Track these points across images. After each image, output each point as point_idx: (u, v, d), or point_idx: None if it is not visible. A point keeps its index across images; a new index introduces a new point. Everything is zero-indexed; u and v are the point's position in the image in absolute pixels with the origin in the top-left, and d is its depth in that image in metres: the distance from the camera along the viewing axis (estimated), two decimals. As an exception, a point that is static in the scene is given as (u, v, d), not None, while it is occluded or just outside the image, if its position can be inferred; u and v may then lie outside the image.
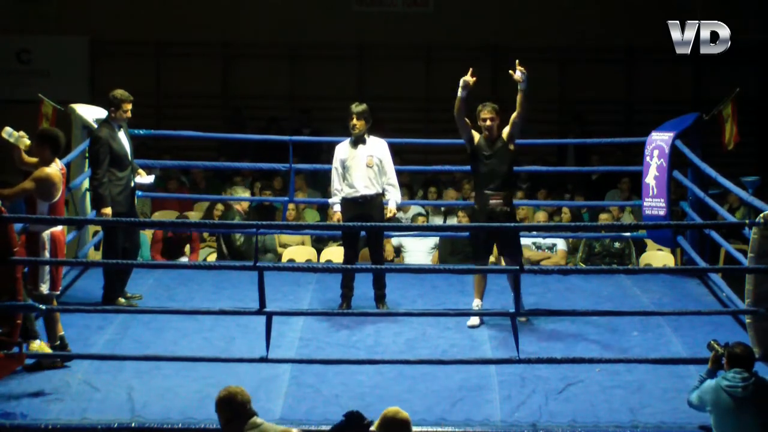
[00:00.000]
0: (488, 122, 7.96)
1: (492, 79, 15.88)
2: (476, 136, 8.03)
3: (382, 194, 8.42)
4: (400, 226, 10.11)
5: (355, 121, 8.37)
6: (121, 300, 8.37)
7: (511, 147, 7.95)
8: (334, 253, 10.90)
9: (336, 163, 8.50)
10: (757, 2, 15.06)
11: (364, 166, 8.35)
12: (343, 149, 8.49)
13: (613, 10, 15.75)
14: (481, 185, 7.97)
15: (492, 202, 7.90)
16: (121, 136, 8.49)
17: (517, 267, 7.04)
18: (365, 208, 8.34)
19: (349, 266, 8.31)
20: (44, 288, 7.18)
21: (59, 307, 7.34)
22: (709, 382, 6.08)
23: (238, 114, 15.62)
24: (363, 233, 8.86)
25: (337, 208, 8.46)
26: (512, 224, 8.04)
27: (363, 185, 8.35)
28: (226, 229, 10.61)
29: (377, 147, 8.44)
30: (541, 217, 11.38)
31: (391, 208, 8.40)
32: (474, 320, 7.98)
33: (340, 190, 8.45)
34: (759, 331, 7.00)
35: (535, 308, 8.02)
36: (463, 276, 9.13)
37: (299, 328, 7.88)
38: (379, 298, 8.41)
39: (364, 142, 8.41)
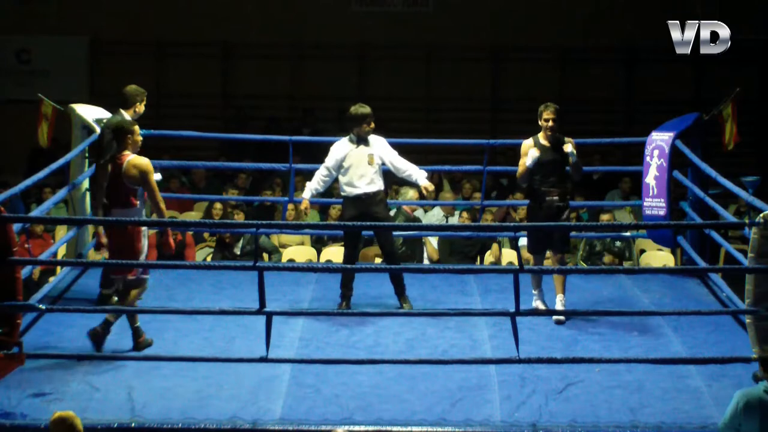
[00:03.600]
0: (550, 122, 8.12)
1: (492, 79, 15.91)
2: (527, 145, 8.20)
3: (385, 191, 8.44)
4: (400, 226, 10.10)
5: (373, 125, 8.41)
6: (114, 299, 8.35)
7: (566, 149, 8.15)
8: (334, 253, 10.90)
9: (330, 162, 8.45)
10: (757, 2, 15.06)
11: (366, 164, 8.35)
12: (342, 148, 8.47)
13: (613, 10, 15.75)
14: (539, 182, 8.16)
15: (548, 198, 8.13)
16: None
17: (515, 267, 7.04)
18: (367, 205, 8.34)
19: (348, 266, 8.30)
20: (138, 271, 7.37)
21: (59, 307, 7.35)
22: (742, 391, 5.74)
23: (238, 114, 15.62)
24: (365, 232, 8.87)
25: (307, 195, 8.48)
26: (512, 224, 8.05)
27: (365, 183, 8.35)
28: (226, 228, 10.61)
29: (378, 145, 8.45)
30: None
31: (425, 185, 8.35)
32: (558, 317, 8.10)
33: (315, 190, 8.48)
34: (759, 330, 7.00)
35: (535, 308, 8.02)
36: (463, 276, 9.14)
37: (299, 328, 7.88)
38: (399, 294, 8.38)
39: (366, 141, 8.42)
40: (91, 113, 9.42)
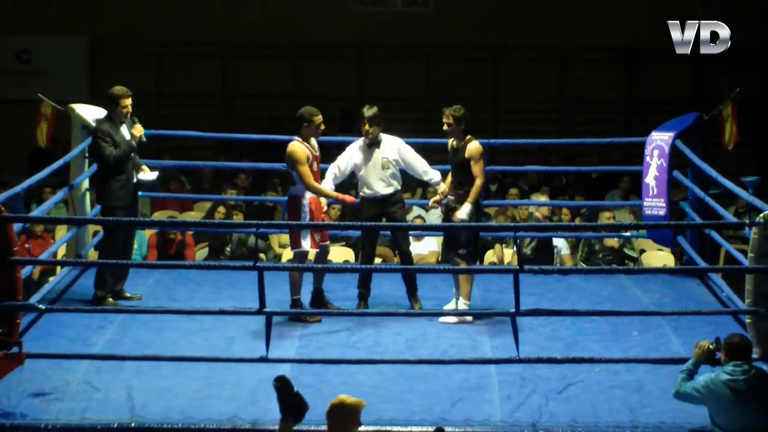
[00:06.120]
0: (445, 126, 8.29)
1: (492, 79, 15.91)
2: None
3: (401, 191, 8.53)
4: (400, 227, 10.10)
5: (367, 127, 8.38)
6: (110, 300, 8.34)
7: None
8: (334, 253, 10.89)
9: (341, 162, 8.49)
10: (757, 2, 15.07)
11: (379, 168, 8.38)
12: (356, 152, 8.47)
13: (613, 10, 15.76)
14: None
15: (448, 198, 8.27)
16: (123, 131, 8.49)
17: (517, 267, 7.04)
18: (385, 206, 8.40)
19: (364, 266, 8.37)
20: (306, 244, 7.95)
21: (59, 307, 7.34)
22: (708, 377, 6.02)
23: (232, 114, 15.63)
24: (382, 233, 9.09)
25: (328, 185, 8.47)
26: (512, 224, 8.05)
27: (381, 186, 8.39)
28: (226, 228, 10.61)
29: (391, 147, 8.45)
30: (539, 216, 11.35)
31: (441, 190, 8.35)
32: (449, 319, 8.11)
33: (329, 179, 8.51)
34: (759, 331, 7.00)
35: (535, 308, 8.01)
36: (463, 276, 9.14)
37: (299, 328, 7.88)
38: (410, 294, 8.44)
39: (378, 144, 8.41)
40: (91, 113, 9.42)
